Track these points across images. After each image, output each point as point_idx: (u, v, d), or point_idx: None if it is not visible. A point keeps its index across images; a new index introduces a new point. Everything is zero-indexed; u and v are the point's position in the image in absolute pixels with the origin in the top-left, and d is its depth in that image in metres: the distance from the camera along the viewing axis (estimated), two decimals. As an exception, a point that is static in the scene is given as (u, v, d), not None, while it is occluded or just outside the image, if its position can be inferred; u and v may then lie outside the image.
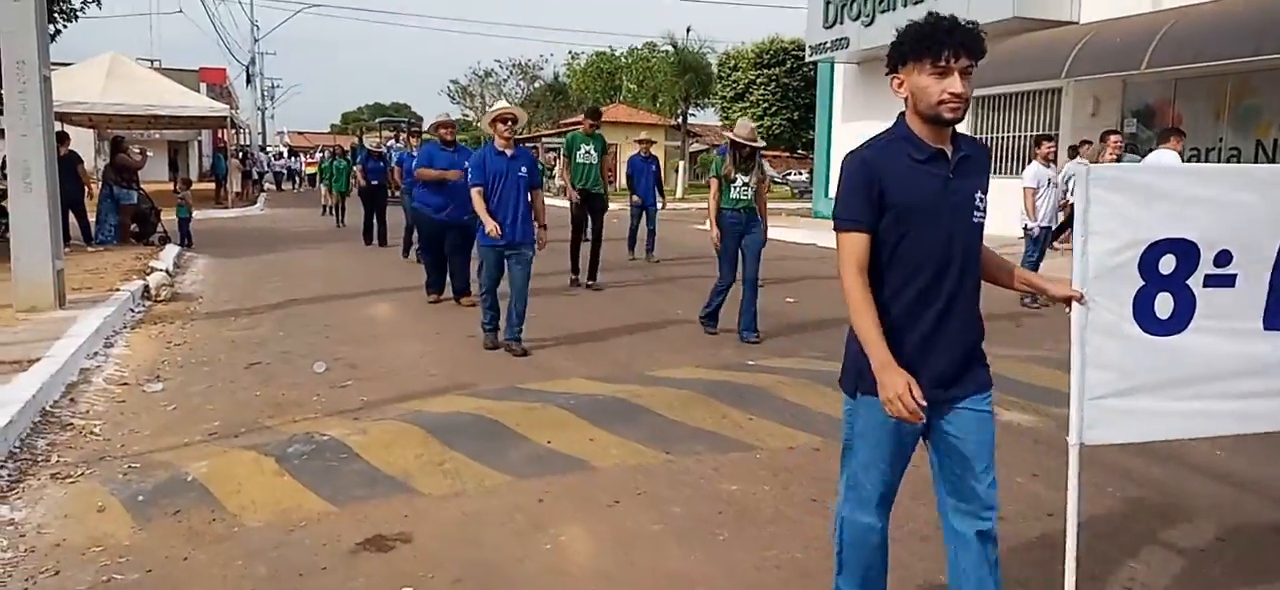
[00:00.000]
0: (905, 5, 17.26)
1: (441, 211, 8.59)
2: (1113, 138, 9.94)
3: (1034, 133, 16.22)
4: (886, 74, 2.28)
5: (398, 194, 13.45)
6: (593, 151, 10.13)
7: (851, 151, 2.28)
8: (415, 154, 11.04)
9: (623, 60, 57.79)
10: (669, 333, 7.40)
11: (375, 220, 14.34)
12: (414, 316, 8.31)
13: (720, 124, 33.85)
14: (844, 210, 2.24)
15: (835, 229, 2.26)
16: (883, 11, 17.91)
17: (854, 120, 20.72)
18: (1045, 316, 8.79)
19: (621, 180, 17.86)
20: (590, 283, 9.89)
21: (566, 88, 60.06)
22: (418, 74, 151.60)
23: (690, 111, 38.69)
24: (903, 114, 2.27)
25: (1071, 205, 7.93)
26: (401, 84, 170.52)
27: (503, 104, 6.81)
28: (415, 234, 10.86)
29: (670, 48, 36.93)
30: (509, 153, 6.44)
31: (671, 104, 38.58)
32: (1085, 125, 15.14)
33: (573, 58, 60.33)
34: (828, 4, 19.54)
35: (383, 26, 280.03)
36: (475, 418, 4.71)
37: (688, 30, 40.20)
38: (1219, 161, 12.49)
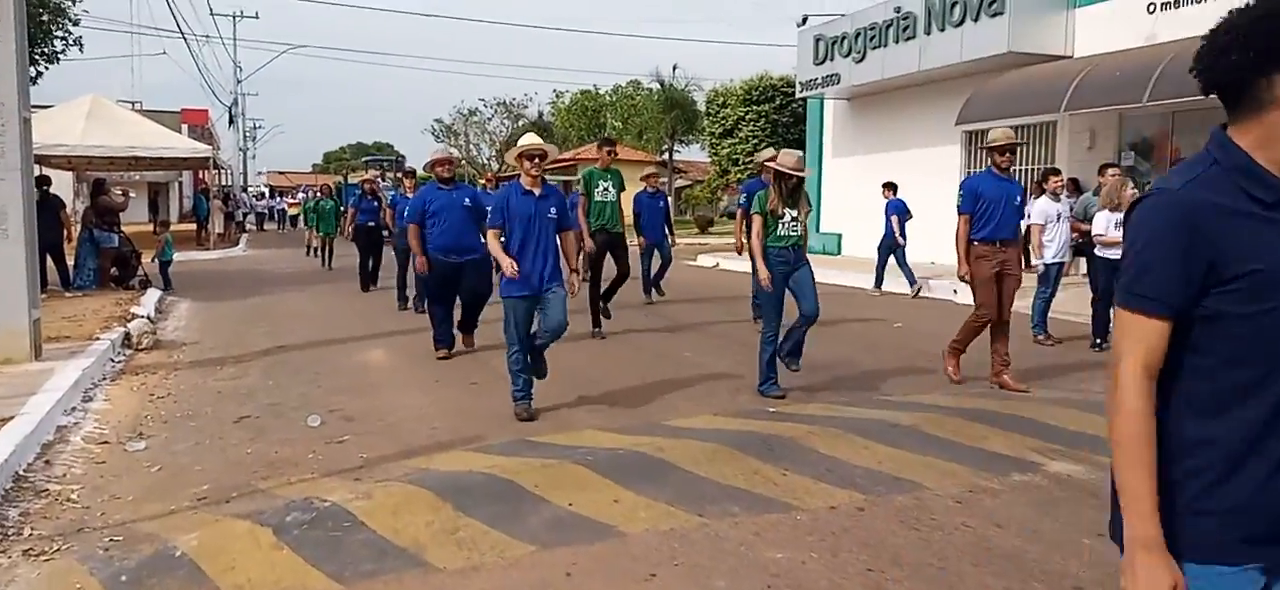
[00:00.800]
0: (897, 42, 17.21)
1: (452, 254, 7.92)
2: (1110, 171, 9.72)
3: (1031, 166, 16.17)
4: (1252, 75, 1.47)
5: (389, 236, 13.03)
6: (611, 187, 9.13)
7: (1158, 188, 1.56)
8: (411, 195, 10.71)
9: (607, 98, 57.99)
10: (682, 378, 7.07)
11: (370, 263, 13.51)
12: (411, 363, 7.95)
13: (707, 160, 33.72)
14: (1144, 281, 1.50)
15: (1122, 305, 1.53)
16: (874, 48, 17.85)
17: (844, 156, 20.64)
18: (1059, 350, 8.56)
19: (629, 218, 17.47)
20: (604, 303, 9.24)
21: (551, 125, 60.10)
22: (400, 113, 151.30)
23: (675, 148, 38.61)
24: (1226, 135, 1.54)
25: (1086, 234, 7.64)
26: (383, 123, 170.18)
27: (531, 138, 5.96)
28: (410, 277, 10.35)
29: (657, 85, 36.93)
30: (537, 192, 5.73)
31: (657, 140, 38.52)
32: (1083, 158, 15.05)
33: (557, 96, 60.51)
34: (818, 41, 19.50)
35: (364, 66, 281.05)
36: (488, 477, 4.36)
37: (674, 68, 40.36)
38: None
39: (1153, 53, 12.19)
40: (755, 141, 26.59)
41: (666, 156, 36.73)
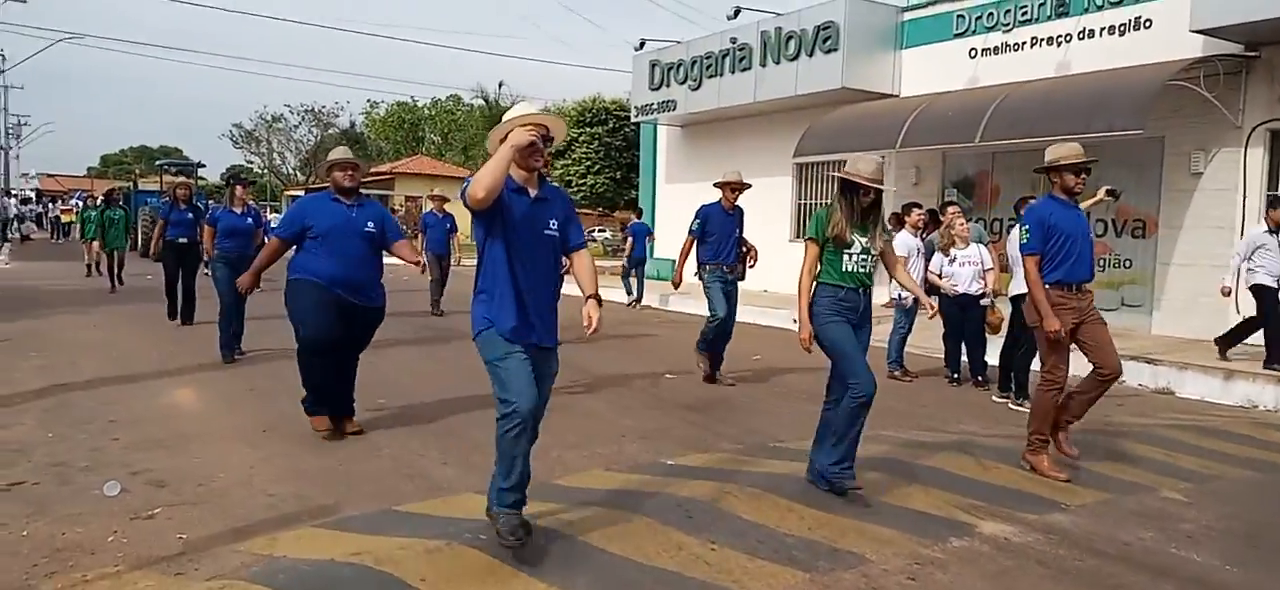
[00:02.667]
0: (733, 72, 17.33)
1: (341, 288, 5.62)
2: (949, 209, 9.93)
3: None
4: None
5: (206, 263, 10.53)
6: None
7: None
8: (241, 210, 9.27)
9: (426, 111, 56.08)
10: (549, 422, 6.38)
11: (182, 289, 11.00)
12: (227, 406, 6.79)
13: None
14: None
15: None
16: (710, 76, 17.89)
17: (678, 182, 20.61)
18: (919, 386, 8.57)
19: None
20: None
21: (364, 137, 57.44)
22: (192, 116, 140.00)
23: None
24: None
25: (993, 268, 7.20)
26: (172, 126, 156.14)
27: (525, 107, 4.00)
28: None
29: (481, 101, 35.92)
30: (532, 193, 3.87)
31: (483, 157, 37.49)
32: (908, 193, 15.65)
33: (371, 106, 57.90)
34: (654, 66, 19.37)
35: (151, 61, 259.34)
36: (358, 570, 3.51)
37: (500, 84, 39.46)
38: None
39: (979, 95, 12.80)
40: (589, 163, 26.28)
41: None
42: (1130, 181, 11.82)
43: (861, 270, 4.65)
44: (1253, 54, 10.54)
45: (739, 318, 8.54)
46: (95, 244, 17.51)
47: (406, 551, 3.66)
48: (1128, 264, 12.18)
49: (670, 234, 20.79)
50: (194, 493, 4.65)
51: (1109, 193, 7.12)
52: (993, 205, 14.16)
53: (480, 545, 3.75)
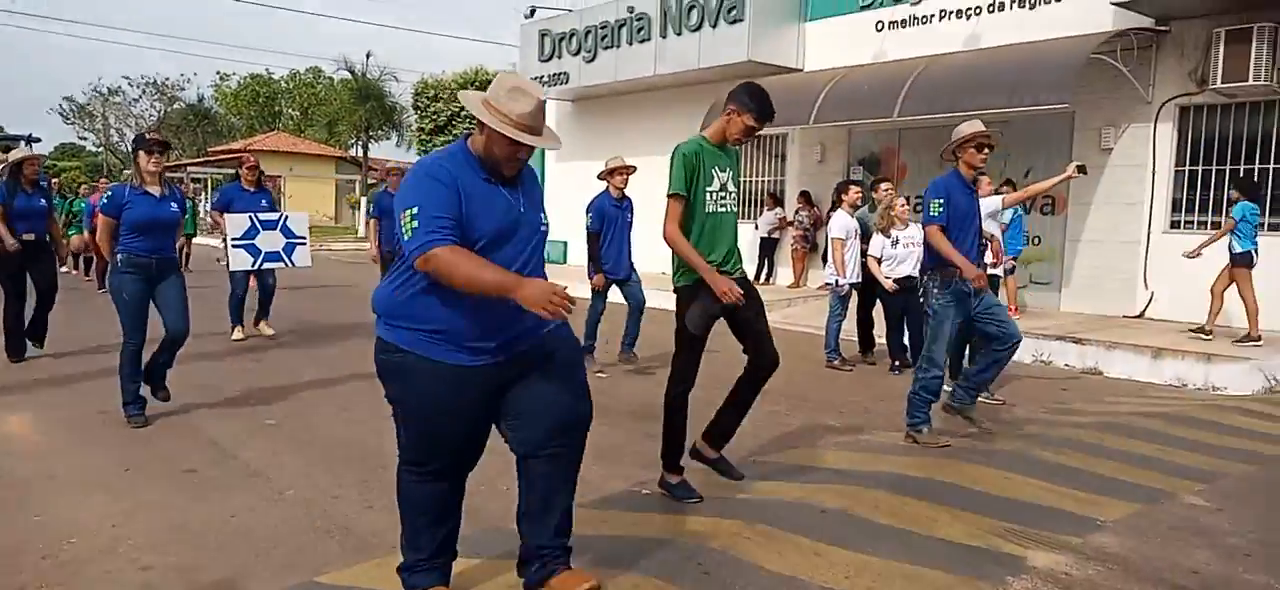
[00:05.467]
0: (631, 44, 16.51)
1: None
2: (883, 187, 9.52)
3: (765, 179, 16.23)
4: None
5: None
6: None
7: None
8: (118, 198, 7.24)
9: (283, 84, 52.65)
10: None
11: (32, 298, 7.95)
12: (75, 437, 5.49)
13: (416, 159, 31.04)
14: None
15: None
16: (606, 48, 17.01)
17: (570, 160, 19.65)
18: (862, 377, 8.08)
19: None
20: None
21: (213, 112, 53.51)
22: (11, 90, 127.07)
23: (370, 143, 35.55)
24: None
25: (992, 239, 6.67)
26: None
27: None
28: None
29: (347, 73, 33.69)
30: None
31: (351, 133, 35.28)
32: (814, 171, 15.31)
33: (222, 79, 53.96)
34: (544, 36, 18.31)
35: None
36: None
37: (368, 55, 37.07)
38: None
39: (894, 68, 12.44)
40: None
41: (361, 152, 33.66)
42: (1041, 158, 11.75)
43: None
44: (1164, 28, 10.54)
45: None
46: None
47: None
48: (1037, 241, 12.13)
49: (563, 218, 19.84)
50: (36, 570, 3.51)
51: (1078, 169, 6.77)
52: (900, 183, 13.92)
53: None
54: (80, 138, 56.21)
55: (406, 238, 2.65)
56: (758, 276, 15.44)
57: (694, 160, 4.07)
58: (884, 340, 8.77)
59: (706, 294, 4.04)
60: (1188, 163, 10.73)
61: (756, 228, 15.66)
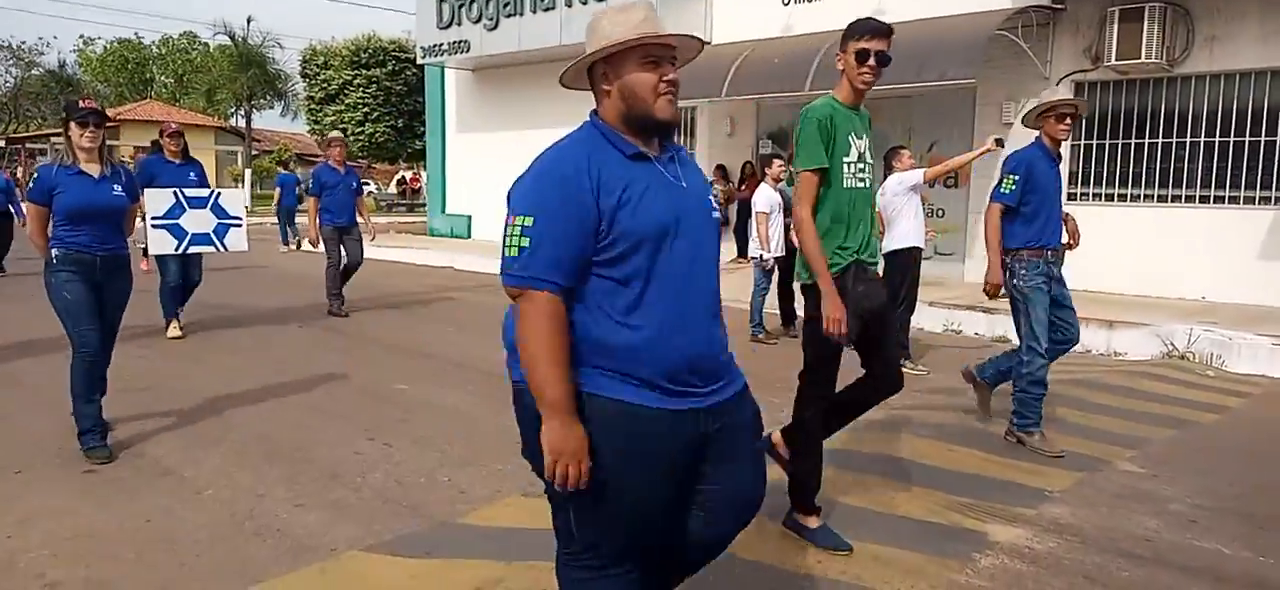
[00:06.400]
0: (534, 11, 16.11)
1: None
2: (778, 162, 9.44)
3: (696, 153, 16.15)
4: None
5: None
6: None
7: None
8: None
9: (154, 50, 49.56)
10: (428, 431, 5.14)
11: None
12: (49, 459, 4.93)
13: (309, 131, 29.71)
14: None
15: None
16: (508, 16, 16.54)
17: (471, 131, 19.14)
18: (784, 351, 8.09)
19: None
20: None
21: (76, 79, 49.93)
22: None
23: (252, 112, 33.82)
24: None
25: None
26: None
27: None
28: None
29: (226, 39, 31.88)
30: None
31: (232, 102, 33.48)
32: (723, 145, 15.32)
33: (85, 43, 50.40)
34: (443, 3, 17.66)
35: None
36: None
37: (249, 21, 35.14)
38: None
39: (806, 42, 12.50)
40: (366, 110, 23.88)
41: (244, 122, 31.98)
42: (943, 131, 12.04)
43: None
44: (1060, 6, 10.90)
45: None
46: None
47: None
48: (941, 213, 12.45)
49: (463, 189, 19.32)
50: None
51: (996, 142, 6.88)
52: (808, 156, 14.04)
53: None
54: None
55: (508, 253, 1.97)
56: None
57: (829, 126, 3.30)
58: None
59: (856, 284, 3.30)
60: (1083, 137, 11.17)
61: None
